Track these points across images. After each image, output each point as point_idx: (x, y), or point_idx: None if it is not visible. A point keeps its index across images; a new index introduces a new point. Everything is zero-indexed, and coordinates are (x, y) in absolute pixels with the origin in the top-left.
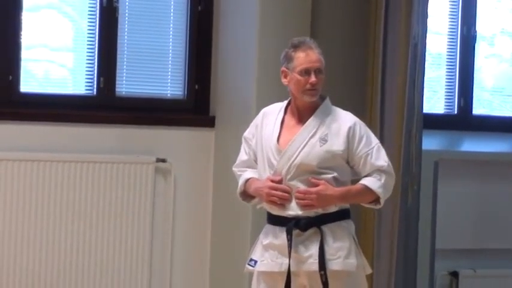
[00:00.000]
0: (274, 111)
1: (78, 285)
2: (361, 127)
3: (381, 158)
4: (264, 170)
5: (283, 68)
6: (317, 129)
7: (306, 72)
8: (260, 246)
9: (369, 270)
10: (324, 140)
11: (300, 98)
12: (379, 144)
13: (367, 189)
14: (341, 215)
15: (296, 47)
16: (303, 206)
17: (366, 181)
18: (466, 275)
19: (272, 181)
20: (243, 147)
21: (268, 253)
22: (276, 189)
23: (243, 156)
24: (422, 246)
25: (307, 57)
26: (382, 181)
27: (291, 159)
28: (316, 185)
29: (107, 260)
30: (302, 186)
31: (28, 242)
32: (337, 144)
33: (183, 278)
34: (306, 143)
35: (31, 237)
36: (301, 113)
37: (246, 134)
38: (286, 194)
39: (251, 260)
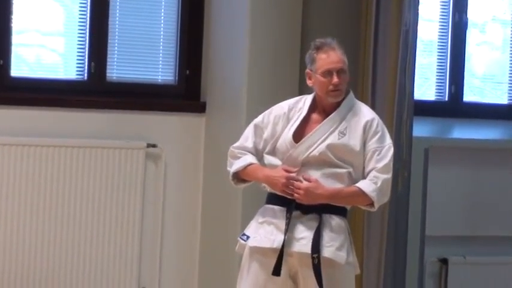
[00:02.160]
0: (298, 106)
1: (68, 269)
2: (379, 124)
3: (386, 159)
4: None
5: (307, 70)
6: (339, 123)
7: (329, 73)
8: (255, 223)
9: (358, 271)
10: (342, 133)
11: (325, 99)
12: (391, 145)
13: (360, 192)
14: (340, 211)
15: (318, 48)
16: (296, 199)
17: (360, 183)
18: (455, 262)
19: (287, 171)
20: (251, 134)
21: (262, 229)
22: (293, 179)
23: (248, 142)
24: (412, 232)
25: (328, 58)
26: (378, 185)
27: (310, 149)
28: (309, 181)
29: (97, 245)
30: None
31: (18, 226)
32: (354, 138)
33: (173, 263)
34: (327, 136)
35: (20, 222)
36: (327, 110)
37: (258, 122)
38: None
39: (243, 234)
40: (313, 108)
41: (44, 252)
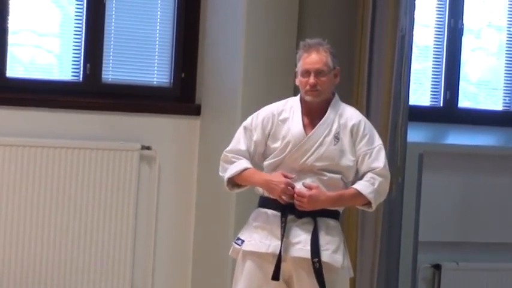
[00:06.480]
0: (288, 106)
1: (61, 270)
2: (366, 125)
3: (379, 160)
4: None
5: (296, 69)
6: (331, 127)
7: (306, 73)
8: (249, 227)
9: (352, 274)
10: (337, 138)
11: (304, 98)
12: (381, 146)
13: (359, 194)
14: (334, 215)
15: (303, 48)
16: (297, 206)
17: (358, 185)
18: (448, 268)
19: (286, 177)
20: (242, 137)
21: (257, 234)
22: (292, 186)
23: (240, 145)
24: (406, 238)
25: (307, 58)
26: (375, 186)
27: (306, 155)
28: (310, 188)
29: (90, 247)
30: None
31: (12, 227)
32: (346, 143)
33: (166, 265)
34: (322, 141)
35: (14, 223)
36: (312, 112)
37: (247, 124)
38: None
39: (238, 238)
40: (300, 109)
41: (36, 254)
